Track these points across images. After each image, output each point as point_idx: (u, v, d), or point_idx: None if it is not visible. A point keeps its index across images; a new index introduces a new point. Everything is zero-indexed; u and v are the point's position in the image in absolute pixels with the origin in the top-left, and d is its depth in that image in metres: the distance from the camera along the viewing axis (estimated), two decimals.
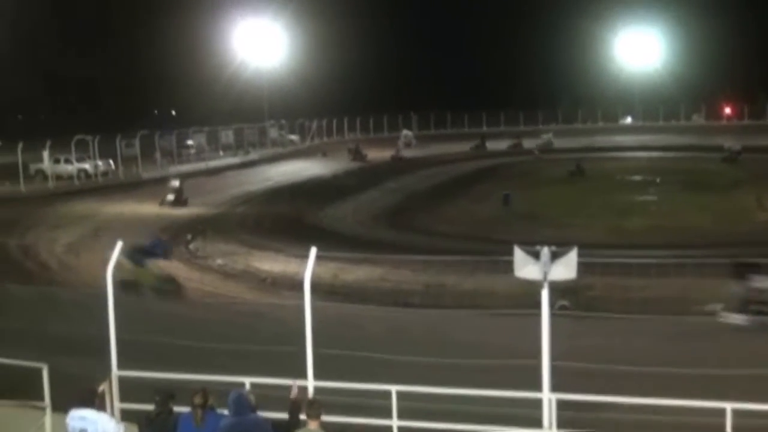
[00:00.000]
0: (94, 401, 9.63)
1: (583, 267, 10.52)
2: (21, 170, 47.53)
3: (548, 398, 10.74)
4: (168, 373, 11.91)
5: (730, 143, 61.92)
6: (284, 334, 13.43)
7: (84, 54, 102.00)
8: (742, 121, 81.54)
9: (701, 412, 10.46)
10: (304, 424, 9.14)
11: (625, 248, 29.52)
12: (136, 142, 55.66)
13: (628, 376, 12.77)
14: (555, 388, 10.73)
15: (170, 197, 41.73)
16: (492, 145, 74.21)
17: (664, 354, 15.18)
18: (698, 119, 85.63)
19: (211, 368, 12.31)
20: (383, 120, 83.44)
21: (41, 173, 50.83)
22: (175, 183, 42.98)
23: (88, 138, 52.68)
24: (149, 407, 10.08)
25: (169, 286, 24.18)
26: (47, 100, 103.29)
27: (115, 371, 12.12)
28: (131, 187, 47.63)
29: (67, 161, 51.82)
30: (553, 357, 10.61)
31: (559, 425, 10.87)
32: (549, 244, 10.43)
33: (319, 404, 9.26)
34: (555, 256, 10.19)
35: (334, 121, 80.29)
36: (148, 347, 14.36)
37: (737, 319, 17.88)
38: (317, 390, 11.54)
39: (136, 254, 23.21)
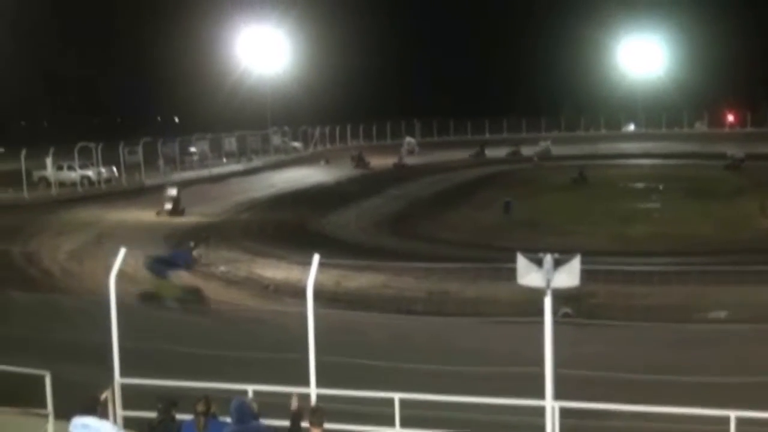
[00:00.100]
0: (97, 409, 9.61)
1: (586, 274, 10.51)
2: (24, 177, 47.55)
3: (551, 406, 10.72)
4: (170, 381, 11.90)
5: (733, 151, 61.93)
6: (287, 342, 13.42)
7: (87, 59, 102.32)
8: (745, 129, 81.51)
9: (705, 420, 10.43)
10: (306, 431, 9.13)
11: (628, 255, 29.50)
12: (139, 149, 55.68)
13: (631, 384, 12.73)
14: (558, 395, 10.71)
15: (167, 206, 41.07)
16: (491, 153, 74.20)
17: (667, 362, 15.14)
18: (701, 127, 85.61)
19: (213, 376, 12.29)
20: (386, 127, 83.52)
21: (44, 180, 50.85)
22: (172, 191, 42.12)
23: (91, 145, 52.75)
24: (152, 415, 10.08)
25: (193, 298, 23.12)
26: (50, 107, 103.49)
27: (117, 379, 12.11)
28: (134, 194, 47.66)
29: (70, 168, 51.87)
30: (556, 364, 10.59)
31: None
32: (552, 251, 10.41)
33: (321, 412, 9.26)
34: (558, 264, 10.17)
35: (337, 128, 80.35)
36: (151, 354, 14.34)
37: None
38: (320, 397, 11.52)
39: (157, 265, 22.70)
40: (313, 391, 11.58)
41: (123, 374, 12.19)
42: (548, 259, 10.18)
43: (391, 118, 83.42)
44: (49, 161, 51.19)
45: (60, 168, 51.73)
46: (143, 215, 41.00)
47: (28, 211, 41.99)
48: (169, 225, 38.19)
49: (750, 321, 19.13)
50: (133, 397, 12.06)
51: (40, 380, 11.91)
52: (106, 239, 33.80)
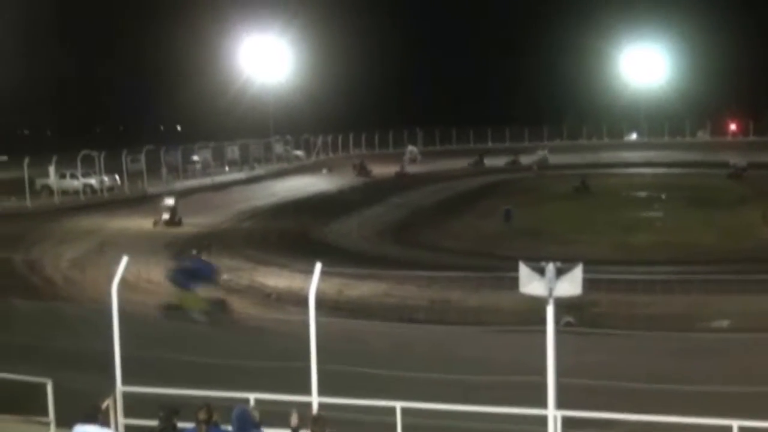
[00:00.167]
0: (98, 417, 9.60)
1: (588, 283, 10.50)
2: (27, 185, 47.61)
3: (553, 415, 10.69)
4: (172, 389, 11.89)
5: (736, 159, 61.94)
6: (289, 350, 13.42)
7: (90, 67, 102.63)
8: (748, 138, 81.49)
9: (707, 429, 10.40)
10: None
11: (631, 264, 29.50)
12: (142, 158, 55.75)
13: (633, 393, 12.70)
14: (560, 404, 10.69)
15: (165, 216, 40.23)
16: (491, 162, 74.19)
17: (669, 371, 15.11)
18: (703, 135, 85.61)
19: (215, 384, 12.28)
20: (388, 136, 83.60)
21: (47, 188, 50.90)
22: (170, 201, 41.22)
23: (94, 153, 52.81)
24: (153, 423, 10.06)
25: (219, 309, 22.12)
26: (54, 116, 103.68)
27: (119, 387, 12.10)
28: (137, 203, 47.67)
29: (73, 176, 51.91)
30: (559, 373, 10.57)
31: None
32: (554, 260, 10.41)
33: (323, 420, 9.24)
34: (560, 273, 10.16)
35: (340, 137, 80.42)
36: (152, 363, 14.33)
37: None
38: (321, 406, 11.50)
39: (182, 277, 21.99)
40: (314, 399, 11.57)
41: (125, 382, 12.18)
42: (550, 268, 10.17)
43: (393, 127, 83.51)
44: (51, 169, 51.26)
45: (63, 176, 51.78)
46: (146, 223, 40.97)
47: (30, 219, 42.02)
48: (171, 233, 38.19)
49: (752, 330, 19.11)
50: (134, 405, 12.05)
51: (42, 388, 11.90)
52: (109, 247, 33.82)
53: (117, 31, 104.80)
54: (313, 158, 77.14)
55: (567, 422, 10.81)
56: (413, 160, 75.27)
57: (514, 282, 10.55)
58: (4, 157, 47.30)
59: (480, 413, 11.36)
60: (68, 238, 36.91)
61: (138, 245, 34.14)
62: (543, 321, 10.47)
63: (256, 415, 9.63)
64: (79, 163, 51.67)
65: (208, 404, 9.63)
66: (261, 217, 46.12)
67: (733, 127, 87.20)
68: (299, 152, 77.78)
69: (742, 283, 22.78)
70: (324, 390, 11.64)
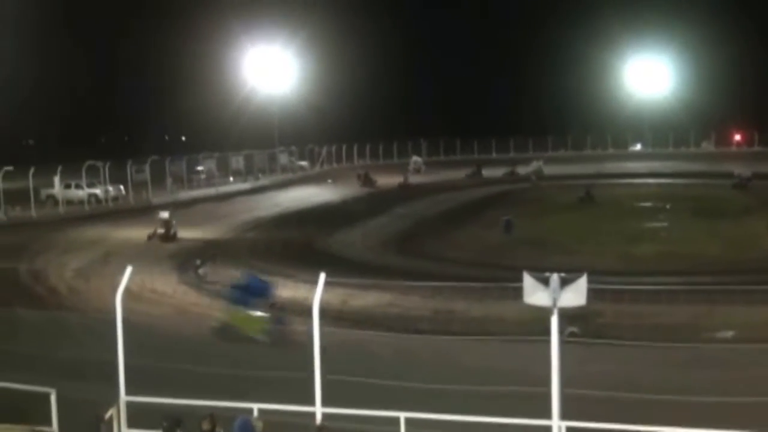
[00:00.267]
0: (101, 427, 9.61)
1: (592, 293, 10.49)
2: (32, 195, 47.73)
3: (558, 425, 10.67)
4: (176, 399, 11.89)
5: (740, 170, 61.84)
6: (293, 360, 13.41)
7: (94, 78, 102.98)
8: (752, 148, 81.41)
9: None
10: None
11: (635, 275, 29.41)
12: (147, 168, 55.84)
13: (638, 404, 12.67)
14: (564, 415, 10.66)
15: (160, 230, 38.99)
16: (490, 173, 74.12)
17: (674, 381, 15.08)
18: (708, 146, 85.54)
19: (218, 394, 12.27)
20: (393, 146, 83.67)
21: (52, 198, 51.03)
22: (164, 215, 39.82)
23: (99, 164, 52.95)
24: None
25: (277, 328, 20.97)
26: (59, 126, 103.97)
27: (123, 397, 12.10)
28: (141, 213, 47.68)
29: (78, 186, 52.05)
30: (563, 384, 10.55)
31: None
32: (559, 270, 10.40)
33: (327, 430, 9.23)
34: (564, 283, 10.16)
35: (344, 147, 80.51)
36: (157, 372, 14.34)
37: None
38: (325, 416, 11.49)
39: (241, 295, 21.18)
40: (318, 409, 11.56)
41: (128, 392, 12.18)
42: (555, 278, 10.17)
43: (397, 138, 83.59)
44: (56, 179, 51.41)
45: (68, 186, 51.91)
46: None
47: (35, 229, 42.10)
48: (176, 243, 38.20)
49: (757, 341, 19.05)
50: (138, 415, 12.04)
51: (46, 397, 11.91)
52: (113, 257, 33.87)
53: (122, 42, 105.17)
54: (318, 169, 77.25)
55: None
56: (417, 171, 75.29)
57: (519, 292, 10.55)
58: (9, 167, 47.29)
59: (484, 424, 11.34)
60: (73, 247, 36.96)
61: (142, 255, 34.19)
62: (547, 331, 10.45)
63: (259, 425, 9.64)
64: (83, 173, 51.80)
65: (211, 414, 9.65)
66: (265, 227, 46.12)
67: (737, 137, 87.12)
68: (304, 163, 77.86)
69: (746, 294, 22.71)
70: (328, 400, 11.62)
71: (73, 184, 52.14)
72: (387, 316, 24.34)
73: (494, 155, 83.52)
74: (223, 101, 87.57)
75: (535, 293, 10.28)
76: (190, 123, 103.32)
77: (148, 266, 30.69)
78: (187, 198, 55.50)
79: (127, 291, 12.63)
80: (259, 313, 21.20)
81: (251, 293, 21.29)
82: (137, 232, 39.40)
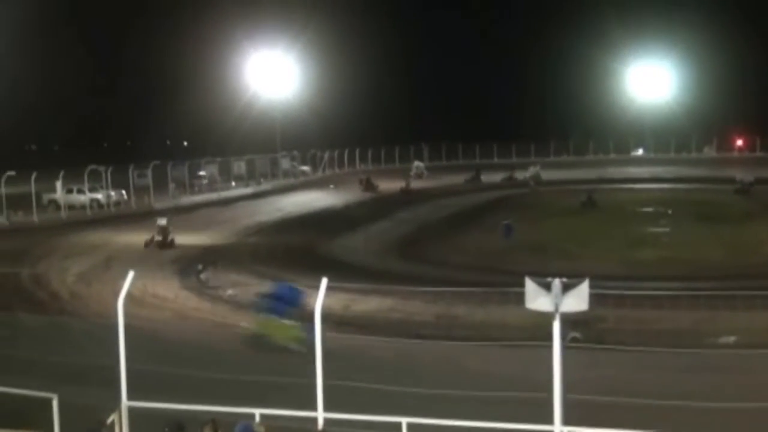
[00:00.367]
0: None
1: (594, 299, 10.47)
2: (34, 200, 47.75)
3: (560, 431, 10.65)
4: (178, 404, 11.88)
5: (742, 175, 61.80)
6: (294, 365, 13.40)
7: (96, 83, 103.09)
8: (754, 153, 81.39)
9: None
10: None
11: (637, 280, 29.36)
12: (149, 173, 55.90)
13: (641, 409, 12.67)
14: (567, 420, 10.65)
15: (157, 238, 38.26)
16: (488, 178, 74.09)
17: (676, 386, 15.06)
18: (710, 151, 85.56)
19: (220, 399, 12.27)
20: (395, 151, 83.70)
21: (54, 203, 51.07)
22: (162, 222, 39.11)
23: (101, 168, 52.99)
24: None
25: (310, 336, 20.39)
26: (61, 131, 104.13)
27: (124, 402, 12.09)
28: (143, 218, 47.73)
29: (80, 191, 52.09)
30: (565, 389, 10.53)
31: None
32: (561, 275, 10.39)
33: None
34: (566, 288, 10.14)
35: (346, 152, 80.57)
36: (159, 377, 14.33)
37: None
38: (327, 421, 11.48)
39: (276, 304, 20.72)
40: (320, 415, 11.55)
41: (130, 397, 12.17)
42: (557, 283, 10.15)
43: (399, 142, 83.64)
44: (58, 184, 51.45)
45: (70, 191, 51.96)
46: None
47: (37, 233, 42.13)
48: (177, 248, 38.18)
49: (759, 346, 19.04)
50: (140, 420, 12.03)
51: (48, 403, 11.90)
52: (115, 262, 33.88)
53: (124, 47, 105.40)
54: (320, 173, 77.30)
55: None
56: (419, 176, 75.27)
57: (520, 297, 10.53)
58: (12, 172, 47.35)
59: (486, 429, 11.32)
60: (74, 252, 36.97)
61: (144, 260, 34.20)
62: (549, 336, 10.44)
63: (261, 430, 9.62)
64: (86, 178, 51.85)
65: (213, 419, 9.63)
66: (267, 232, 46.10)
67: (739, 142, 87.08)
68: (306, 167, 77.90)
69: (749, 299, 22.70)
70: (330, 405, 11.62)
71: (75, 188, 52.19)
72: (389, 321, 24.33)
73: (496, 160, 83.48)
74: (225, 106, 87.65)
75: (537, 298, 10.26)
76: (193, 128, 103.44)
77: (150, 271, 30.70)
78: (189, 203, 55.53)
79: (129, 296, 12.62)
80: (290, 322, 20.64)
81: (282, 301, 20.83)
82: (139, 237, 39.38)
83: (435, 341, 21.49)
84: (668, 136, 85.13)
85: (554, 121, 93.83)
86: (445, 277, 30.92)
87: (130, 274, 12.54)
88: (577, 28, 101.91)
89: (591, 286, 10.19)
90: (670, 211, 51.75)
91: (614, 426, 11.15)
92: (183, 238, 39.62)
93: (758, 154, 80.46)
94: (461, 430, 11.43)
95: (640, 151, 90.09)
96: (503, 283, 22.97)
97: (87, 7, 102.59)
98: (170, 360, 17.05)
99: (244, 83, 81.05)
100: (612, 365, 17.20)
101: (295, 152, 77.59)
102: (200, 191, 61.44)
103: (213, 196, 59.98)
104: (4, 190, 46.99)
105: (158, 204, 53.11)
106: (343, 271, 31.51)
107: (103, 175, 53.02)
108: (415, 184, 68.99)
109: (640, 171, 77.44)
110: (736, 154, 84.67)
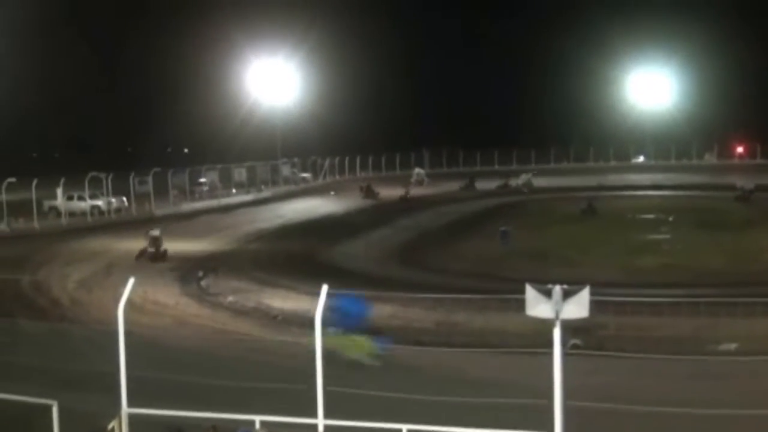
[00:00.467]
0: None
1: (595, 306, 10.46)
2: (35, 207, 47.82)
3: None
4: (178, 411, 11.87)
5: (743, 182, 61.83)
6: (295, 372, 13.40)
7: (97, 89, 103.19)
8: (755, 160, 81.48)
9: None
10: None
11: (638, 287, 29.34)
12: (149, 180, 55.97)
13: (641, 416, 12.65)
14: (567, 427, 10.63)
15: (150, 249, 37.04)
16: (482, 185, 74.05)
17: (677, 394, 15.05)
18: (710, 158, 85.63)
19: (221, 406, 12.26)
20: (395, 158, 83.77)
21: (55, 210, 51.13)
22: (155, 232, 38.02)
23: (102, 175, 53.07)
24: None
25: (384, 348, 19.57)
26: (62, 139, 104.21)
27: (125, 408, 12.08)
28: (144, 225, 47.71)
29: (81, 198, 52.16)
30: (566, 396, 10.52)
31: None
32: (561, 282, 10.38)
33: None
34: (567, 295, 10.13)
35: (347, 159, 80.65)
36: (159, 384, 14.32)
37: None
38: (327, 428, 11.47)
39: (346, 318, 19.60)
40: (320, 422, 11.54)
41: (131, 404, 12.16)
42: (557, 290, 10.14)
43: (400, 149, 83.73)
44: (59, 191, 51.51)
45: (70, 198, 52.02)
46: None
47: (38, 240, 42.16)
48: (177, 255, 38.16)
49: (760, 353, 19.02)
50: (140, 427, 12.02)
51: (48, 409, 11.89)
52: (116, 269, 33.89)
53: (124, 54, 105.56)
54: (321, 180, 77.38)
55: None
56: (420, 183, 75.29)
57: (521, 304, 10.53)
58: (13, 179, 47.42)
59: None
60: (75, 259, 36.99)
61: (145, 267, 34.23)
62: (550, 343, 10.43)
63: None
64: (86, 185, 51.93)
65: (214, 426, 9.63)
66: (268, 239, 46.10)
67: (740, 149, 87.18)
68: (306, 174, 78.00)
69: (749, 306, 22.69)
70: (330, 412, 11.61)
71: (75, 195, 52.28)
72: (389, 328, 24.27)
73: (496, 167, 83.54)
74: (225, 113, 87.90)
75: (537, 305, 10.25)
76: (193, 135, 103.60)
77: (150, 278, 30.71)
78: (189, 210, 55.58)
79: (130, 302, 12.61)
80: (359, 336, 19.86)
81: (347, 314, 19.81)
82: (140, 244, 39.35)
83: (435, 348, 21.45)
84: (669, 143, 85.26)
85: (555, 128, 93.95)
86: (445, 284, 30.90)
87: (131, 281, 12.55)
88: (579, 35, 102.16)
89: (591, 293, 10.19)
90: (670, 218, 51.71)
91: None
92: (182, 246, 39.63)
93: (759, 161, 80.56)
94: None
95: (640, 158, 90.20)
96: (503, 290, 22.96)
97: (87, 16, 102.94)
98: (171, 367, 17.03)
99: (245, 90, 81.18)
100: (612, 372, 17.18)
101: (296, 159, 77.70)
102: (201, 198, 61.51)
103: (213, 203, 60.05)
104: (4, 197, 47.05)
105: (159, 211, 53.16)
106: (343, 278, 31.50)
107: (104, 182, 53.12)
108: (416, 192, 68.99)
109: (641, 178, 77.46)
110: (736, 161, 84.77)
